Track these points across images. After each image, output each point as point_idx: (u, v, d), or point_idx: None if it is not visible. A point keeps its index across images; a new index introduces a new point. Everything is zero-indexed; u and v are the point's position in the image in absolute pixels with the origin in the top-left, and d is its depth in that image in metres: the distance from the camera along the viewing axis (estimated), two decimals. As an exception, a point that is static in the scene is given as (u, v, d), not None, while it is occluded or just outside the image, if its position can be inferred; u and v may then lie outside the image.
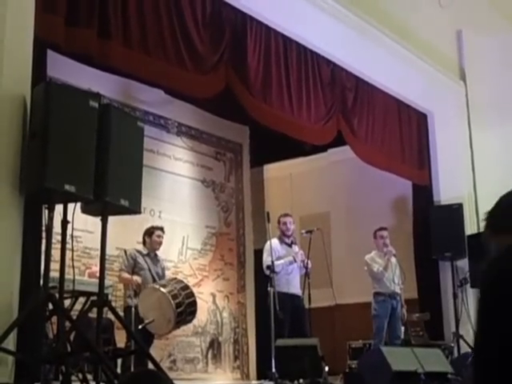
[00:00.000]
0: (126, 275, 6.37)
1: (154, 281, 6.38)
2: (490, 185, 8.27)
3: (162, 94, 7.55)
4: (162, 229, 6.77)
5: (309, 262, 6.90)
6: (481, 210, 8.34)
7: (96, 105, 4.09)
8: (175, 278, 6.47)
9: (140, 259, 6.50)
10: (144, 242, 6.70)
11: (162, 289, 5.88)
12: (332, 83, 7.23)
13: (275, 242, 6.97)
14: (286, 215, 7.22)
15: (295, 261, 6.91)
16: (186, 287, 6.06)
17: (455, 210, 8.08)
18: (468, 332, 7.65)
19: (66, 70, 6.19)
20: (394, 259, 7.59)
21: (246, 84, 6.24)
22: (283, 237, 7.10)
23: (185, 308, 5.88)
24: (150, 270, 6.50)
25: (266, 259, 6.72)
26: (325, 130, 7.18)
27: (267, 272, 6.63)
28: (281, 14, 6.43)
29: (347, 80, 7.44)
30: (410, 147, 8.32)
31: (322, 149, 8.56)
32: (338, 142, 7.61)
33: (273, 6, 6.32)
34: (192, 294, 6.02)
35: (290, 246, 7.07)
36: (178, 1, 5.65)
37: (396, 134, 8.11)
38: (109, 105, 4.47)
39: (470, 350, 7.31)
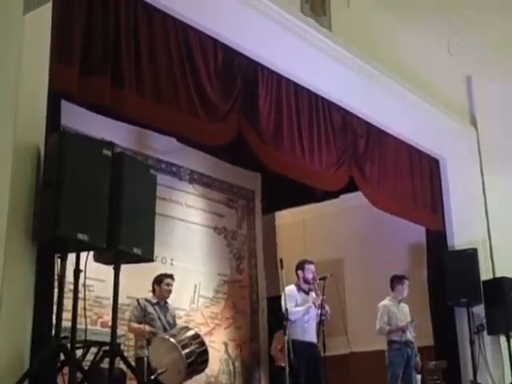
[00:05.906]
0: (136, 325, 6.27)
1: (165, 330, 6.25)
2: (504, 229, 8.23)
3: (174, 141, 7.59)
4: (171, 276, 6.62)
5: (327, 307, 6.64)
6: (495, 255, 8.27)
7: (109, 153, 4.11)
8: (186, 327, 6.27)
9: (150, 308, 6.38)
10: (153, 291, 6.58)
11: (171, 339, 5.74)
12: (343, 130, 7.25)
13: (293, 288, 6.83)
14: (311, 262, 6.96)
15: (315, 306, 6.70)
16: (197, 336, 5.92)
17: (470, 255, 8.00)
18: (486, 380, 7.50)
19: (80, 120, 6.24)
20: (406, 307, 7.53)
21: (257, 131, 6.26)
22: (303, 284, 6.89)
23: (196, 358, 5.74)
24: (160, 319, 6.38)
25: (288, 305, 6.44)
26: (336, 176, 7.17)
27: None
28: (291, 62, 6.48)
29: (358, 126, 7.47)
30: (422, 193, 8.29)
31: (335, 195, 8.54)
32: (351, 187, 7.59)
33: (283, 55, 6.37)
34: (203, 343, 5.87)
35: (307, 293, 6.94)
36: (190, 49, 5.70)
37: (408, 179, 8.09)
38: (122, 153, 4.49)
39: (488, 399, 7.19)
